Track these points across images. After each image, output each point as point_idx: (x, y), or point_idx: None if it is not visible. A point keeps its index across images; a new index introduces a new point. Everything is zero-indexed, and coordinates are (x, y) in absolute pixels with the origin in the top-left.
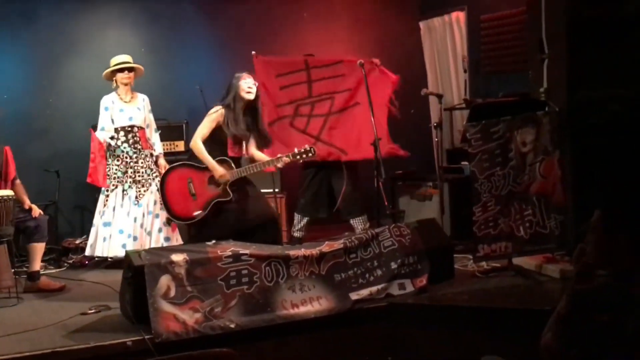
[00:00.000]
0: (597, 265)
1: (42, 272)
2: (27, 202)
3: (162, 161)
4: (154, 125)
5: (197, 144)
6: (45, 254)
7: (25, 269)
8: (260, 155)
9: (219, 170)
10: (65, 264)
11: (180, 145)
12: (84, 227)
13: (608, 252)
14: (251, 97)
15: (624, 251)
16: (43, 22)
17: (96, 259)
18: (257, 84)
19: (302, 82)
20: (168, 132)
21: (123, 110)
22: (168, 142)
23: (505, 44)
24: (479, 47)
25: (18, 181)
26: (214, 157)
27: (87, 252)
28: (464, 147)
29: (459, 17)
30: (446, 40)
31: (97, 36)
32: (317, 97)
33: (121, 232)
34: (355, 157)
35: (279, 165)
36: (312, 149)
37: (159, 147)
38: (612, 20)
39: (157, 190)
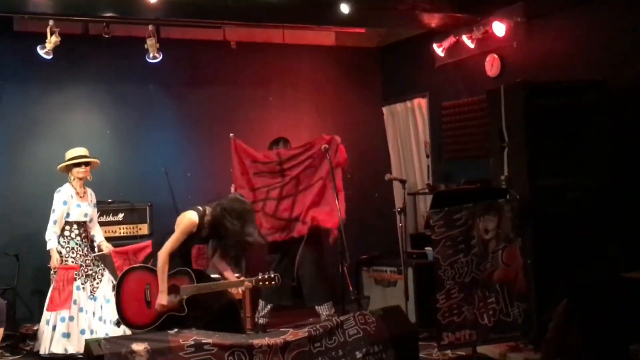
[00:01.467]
0: (555, 353)
1: None
2: None
3: (105, 244)
4: (95, 219)
5: (163, 258)
6: (2, 340)
7: None
8: (227, 272)
9: (161, 300)
10: (23, 351)
11: (143, 229)
12: (42, 313)
13: (566, 341)
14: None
15: (578, 343)
16: (7, 104)
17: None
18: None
19: (275, 172)
20: (131, 214)
21: (80, 206)
22: (131, 226)
23: (467, 130)
24: (441, 133)
25: None
26: (174, 267)
27: (38, 349)
28: (428, 233)
29: (420, 103)
30: (409, 125)
31: (62, 118)
32: (287, 181)
33: (82, 331)
34: (326, 224)
35: (242, 288)
36: (276, 277)
37: (99, 236)
38: (569, 110)
39: (112, 277)
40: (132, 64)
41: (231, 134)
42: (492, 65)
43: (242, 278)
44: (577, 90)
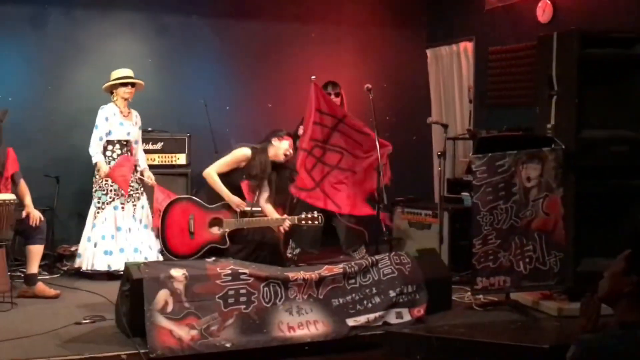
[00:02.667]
0: (604, 301)
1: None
2: (27, 208)
3: (148, 173)
4: (140, 141)
5: (212, 175)
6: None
7: (20, 274)
8: (270, 210)
9: (234, 200)
10: (60, 271)
11: (181, 158)
12: (80, 234)
13: (619, 291)
14: (282, 159)
15: (632, 295)
16: (51, 28)
17: (89, 271)
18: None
19: (326, 125)
20: (170, 144)
21: (122, 124)
22: (169, 155)
23: (513, 77)
24: (486, 79)
25: (22, 181)
26: (220, 200)
27: (78, 264)
28: (468, 179)
29: (466, 47)
30: (453, 69)
31: (104, 45)
32: (331, 146)
33: (122, 250)
34: (349, 212)
35: (285, 226)
36: (319, 217)
37: (143, 162)
38: (622, 61)
39: (148, 205)
40: None
41: (313, 77)
42: (543, 11)
43: (284, 216)
44: (630, 41)
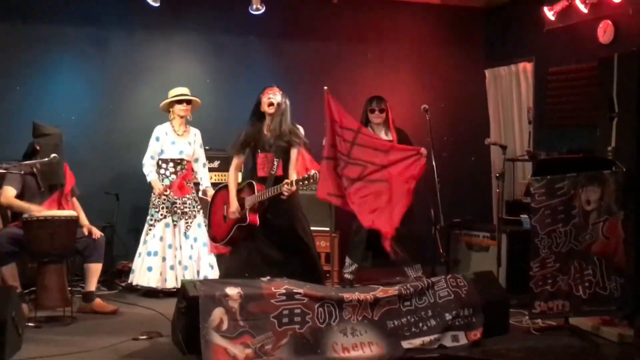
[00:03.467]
0: None
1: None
2: (86, 225)
3: (210, 191)
4: (203, 160)
5: (229, 170)
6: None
7: (80, 289)
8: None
9: (232, 206)
10: (119, 287)
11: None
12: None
13: None
14: (271, 110)
15: None
16: (113, 49)
17: (138, 287)
18: (279, 97)
19: (347, 140)
20: (227, 163)
21: (174, 143)
22: (226, 173)
23: (573, 98)
24: (545, 100)
25: (75, 199)
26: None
27: (131, 280)
28: (527, 201)
29: (526, 68)
30: (512, 89)
31: (164, 65)
32: (353, 160)
33: (172, 267)
34: (368, 226)
35: (284, 191)
36: (315, 175)
37: (206, 181)
38: None
39: (204, 221)
40: (234, 14)
41: (325, 87)
42: (604, 32)
43: (285, 181)
44: None
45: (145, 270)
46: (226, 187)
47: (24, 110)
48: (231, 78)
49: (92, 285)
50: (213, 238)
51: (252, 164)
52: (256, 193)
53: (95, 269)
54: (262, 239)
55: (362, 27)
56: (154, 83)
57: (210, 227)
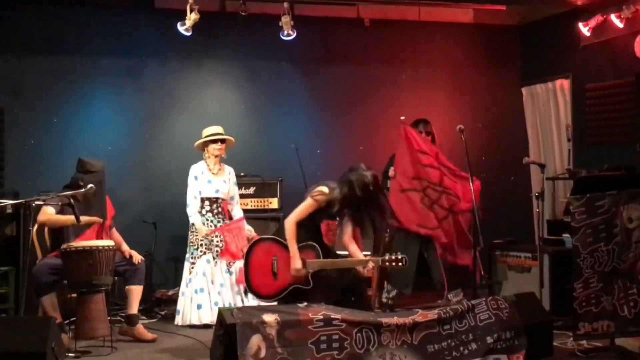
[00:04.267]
0: None
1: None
2: (126, 250)
3: (247, 227)
4: (237, 198)
5: (291, 225)
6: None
7: (119, 318)
8: (354, 249)
9: (296, 264)
10: (157, 315)
11: (274, 203)
12: (177, 279)
13: None
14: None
15: None
16: (148, 79)
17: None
18: None
19: (435, 167)
20: (262, 188)
21: (211, 182)
22: (262, 199)
23: (612, 114)
24: (584, 117)
25: (114, 230)
26: (303, 241)
27: (178, 321)
28: (567, 220)
29: (563, 85)
30: (549, 107)
31: (198, 93)
32: (444, 189)
33: (216, 303)
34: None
35: (367, 269)
36: (403, 259)
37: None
38: None
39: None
40: (266, 41)
41: (402, 117)
42: None
43: (368, 257)
44: None
45: (195, 308)
46: (269, 240)
47: (62, 142)
48: (265, 104)
49: (134, 307)
50: (255, 293)
51: (312, 227)
52: (326, 260)
53: (136, 291)
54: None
55: (395, 48)
56: (188, 111)
57: (249, 278)
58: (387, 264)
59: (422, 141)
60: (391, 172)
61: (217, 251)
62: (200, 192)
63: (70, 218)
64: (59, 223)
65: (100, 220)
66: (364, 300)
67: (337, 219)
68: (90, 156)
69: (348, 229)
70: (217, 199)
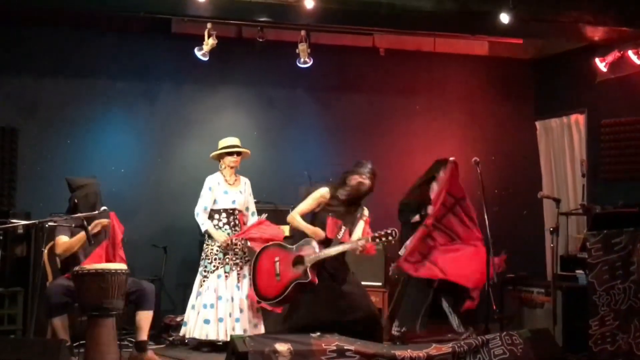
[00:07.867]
0: None
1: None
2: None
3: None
4: (252, 209)
5: (295, 217)
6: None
7: (127, 343)
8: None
9: (320, 232)
10: (166, 341)
11: (286, 230)
12: (186, 305)
13: None
14: (359, 189)
15: None
16: (162, 103)
17: (187, 340)
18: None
19: (445, 205)
20: (275, 215)
21: (227, 193)
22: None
23: (627, 150)
24: (599, 152)
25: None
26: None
27: (182, 333)
28: (582, 256)
29: (578, 120)
30: (564, 141)
31: (211, 118)
32: (443, 226)
33: (221, 319)
34: (454, 280)
35: (359, 247)
36: (393, 232)
37: None
38: None
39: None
40: (282, 67)
41: (452, 157)
42: None
43: (358, 238)
44: None
45: (202, 323)
46: (272, 246)
47: (75, 164)
48: (279, 131)
49: (144, 334)
50: (262, 297)
51: (318, 224)
52: (323, 251)
53: (146, 317)
54: (323, 294)
55: (410, 79)
56: (202, 136)
57: (256, 286)
58: (377, 240)
59: (456, 184)
60: (429, 210)
61: (230, 265)
62: (216, 203)
63: (82, 238)
64: (75, 248)
65: (107, 221)
66: (377, 334)
67: (337, 216)
68: (102, 179)
69: (353, 227)
70: (233, 210)
